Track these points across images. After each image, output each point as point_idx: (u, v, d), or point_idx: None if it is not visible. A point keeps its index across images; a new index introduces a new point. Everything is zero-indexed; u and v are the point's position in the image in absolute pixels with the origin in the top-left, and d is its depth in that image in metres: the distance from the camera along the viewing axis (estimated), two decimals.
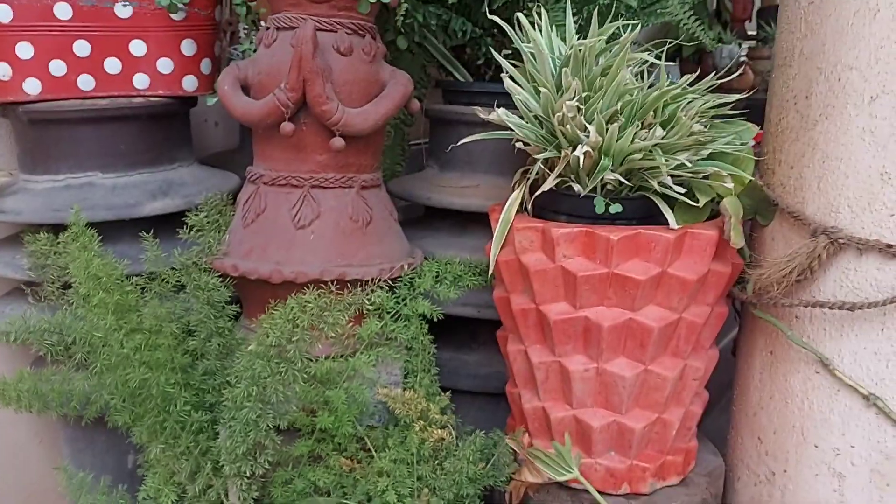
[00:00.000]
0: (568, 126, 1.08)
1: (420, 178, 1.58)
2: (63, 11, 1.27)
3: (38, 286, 1.27)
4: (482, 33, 1.50)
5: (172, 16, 1.32)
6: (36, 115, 1.30)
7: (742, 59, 4.56)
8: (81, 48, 1.30)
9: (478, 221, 1.47)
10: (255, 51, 1.42)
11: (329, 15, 1.20)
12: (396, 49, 1.46)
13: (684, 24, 1.43)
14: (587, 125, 1.06)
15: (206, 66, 1.41)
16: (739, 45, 5.86)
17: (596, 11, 1.40)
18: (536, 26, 1.25)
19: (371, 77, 1.24)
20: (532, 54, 1.21)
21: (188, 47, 1.37)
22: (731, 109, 1.15)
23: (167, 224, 1.33)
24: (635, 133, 1.06)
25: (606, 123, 1.06)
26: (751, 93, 1.24)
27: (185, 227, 1.27)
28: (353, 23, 1.21)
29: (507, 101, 1.49)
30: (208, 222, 1.28)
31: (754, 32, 4.64)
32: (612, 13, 1.40)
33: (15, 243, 1.35)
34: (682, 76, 3.40)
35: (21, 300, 1.31)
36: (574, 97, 1.08)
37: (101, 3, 1.30)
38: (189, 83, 1.39)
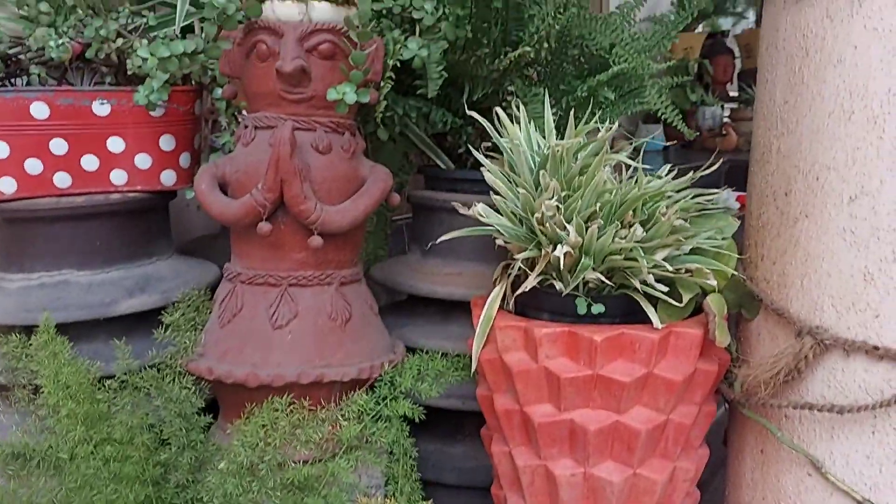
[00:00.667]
0: (547, 225, 1.07)
1: (403, 264, 1.57)
2: (40, 111, 1.27)
3: (8, 390, 1.23)
4: (463, 123, 1.51)
5: (151, 112, 1.32)
6: (10, 214, 1.28)
7: (725, 119, 4.65)
8: (58, 146, 1.29)
9: (461, 309, 1.45)
10: (234, 144, 1.42)
11: (307, 114, 1.20)
12: (378, 139, 1.46)
13: (662, 114, 1.44)
14: (567, 225, 1.05)
15: (185, 159, 1.40)
16: (722, 106, 5.98)
17: (574, 104, 1.43)
18: (515, 120, 1.25)
19: (350, 174, 1.23)
20: (510, 150, 1.22)
21: (167, 142, 1.36)
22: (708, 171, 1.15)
23: (145, 320, 1.31)
24: (615, 233, 1.05)
25: (586, 223, 1.05)
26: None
27: (162, 326, 1.24)
28: (331, 121, 1.21)
29: (488, 188, 1.49)
30: (184, 321, 1.25)
31: (736, 94, 4.74)
32: (590, 104, 1.41)
33: None
34: (665, 139, 3.41)
35: None
36: (553, 197, 1.07)
37: (79, 102, 1.29)
38: (168, 178, 1.38)
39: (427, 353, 1.32)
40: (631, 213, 1.07)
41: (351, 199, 1.22)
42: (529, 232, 1.13)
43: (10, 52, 1.37)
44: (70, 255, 1.31)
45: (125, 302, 1.29)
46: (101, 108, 1.31)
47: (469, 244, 1.50)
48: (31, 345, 1.21)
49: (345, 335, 1.23)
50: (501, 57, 1.35)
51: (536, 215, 1.08)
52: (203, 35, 1.39)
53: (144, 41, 1.35)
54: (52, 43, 1.31)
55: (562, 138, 1.23)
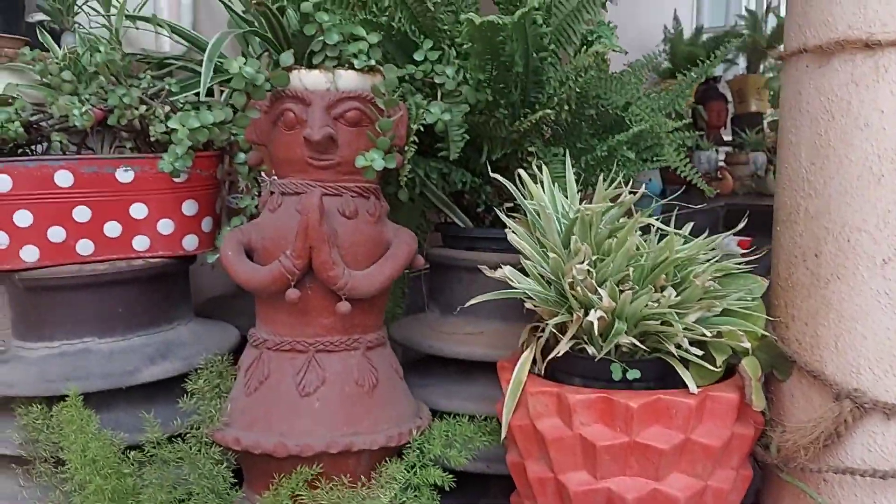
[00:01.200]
0: (579, 289, 1.07)
1: (421, 323, 1.56)
2: (64, 179, 1.27)
3: (29, 463, 1.21)
4: (482, 182, 1.52)
5: (174, 178, 1.32)
6: (32, 282, 1.27)
7: (720, 163, 4.69)
8: (81, 214, 1.29)
9: (482, 369, 1.44)
10: (256, 207, 1.42)
11: (334, 180, 1.20)
12: (397, 199, 1.46)
13: (681, 172, 1.45)
14: (599, 289, 1.05)
15: (207, 224, 1.40)
16: (716, 150, 6.02)
17: (594, 163, 1.44)
18: (537, 181, 1.26)
19: (376, 237, 1.23)
20: (536, 212, 1.22)
21: (189, 207, 1.36)
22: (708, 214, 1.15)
23: (166, 387, 1.29)
24: (649, 297, 1.05)
25: (618, 288, 1.05)
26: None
27: (185, 393, 1.23)
28: (357, 186, 1.22)
29: (507, 247, 1.49)
30: (209, 388, 1.23)
31: (730, 138, 4.80)
32: (609, 163, 1.42)
33: (3, 414, 1.29)
34: (662, 182, 3.40)
35: (10, 479, 1.24)
36: (584, 261, 1.07)
37: (103, 170, 1.30)
38: (190, 243, 1.38)
39: (454, 417, 1.30)
40: (663, 276, 1.07)
41: (377, 264, 1.21)
42: (559, 295, 1.13)
43: (32, 118, 1.37)
44: (91, 323, 1.29)
45: (147, 370, 1.27)
46: (124, 176, 1.31)
47: (489, 303, 1.49)
48: (52, 416, 1.19)
49: (372, 401, 1.21)
50: (522, 119, 1.36)
51: (567, 279, 1.08)
52: (223, 99, 1.41)
53: (168, 109, 1.37)
54: (75, 111, 1.31)
55: (583, 198, 1.24)
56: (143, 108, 1.37)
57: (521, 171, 1.28)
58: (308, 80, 1.19)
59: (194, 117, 1.16)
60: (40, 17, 1.61)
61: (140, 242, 1.34)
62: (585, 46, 1.46)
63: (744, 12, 4.89)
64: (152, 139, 1.37)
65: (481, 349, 1.42)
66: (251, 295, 1.48)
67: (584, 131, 1.53)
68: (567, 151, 1.37)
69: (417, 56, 1.34)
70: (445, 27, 1.43)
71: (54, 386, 1.21)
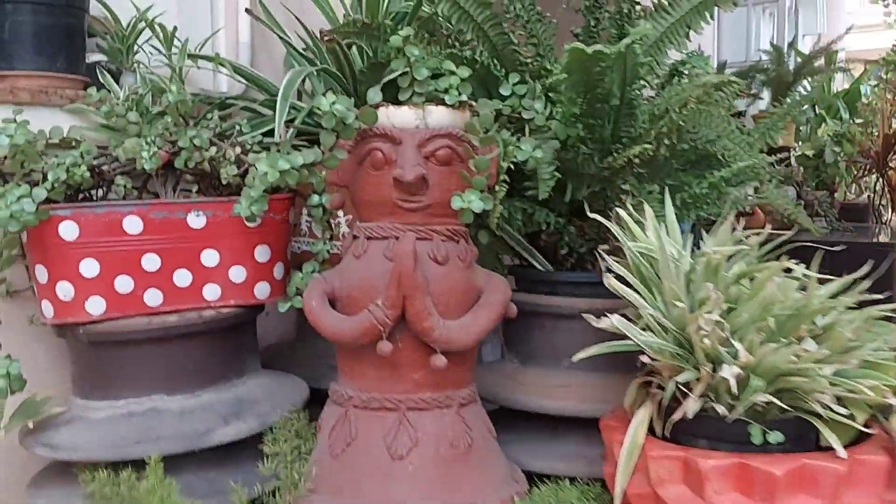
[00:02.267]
0: (707, 341, 0.97)
1: (500, 374, 1.45)
2: (133, 225, 1.19)
3: None
4: (564, 222, 1.42)
5: (248, 223, 1.24)
6: (97, 336, 1.19)
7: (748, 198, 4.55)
8: (150, 262, 1.21)
9: (573, 425, 1.33)
10: (328, 252, 1.34)
11: (424, 223, 1.12)
12: (476, 241, 1.38)
13: (791, 214, 1.35)
14: (734, 342, 0.95)
15: (278, 270, 1.32)
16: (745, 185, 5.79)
17: (691, 201, 1.34)
18: (637, 222, 1.17)
19: (467, 284, 1.14)
20: (642, 254, 1.12)
21: (262, 253, 1.28)
22: None
23: (239, 446, 1.19)
24: (790, 350, 0.94)
25: (754, 339, 0.95)
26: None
27: (258, 454, 1.13)
28: (448, 229, 1.13)
29: (592, 292, 1.40)
30: (288, 450, 1.13)
31: None
32: (712, 201, 1.33)
33: (65, 478, 1.20)
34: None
35: None
36: (713, 310, 0.97)
37: (174, 215, 1.22)
38: (262, 290, 1.29)
39: (549, 480, 1.19)
40: (803, 326, 0.97)
41: (471, 313, 1.12)
42: (679, 347, 1.03)
43: (95, 161, 1.30)
44: (160, 380, 1.20)
45: (221, 430, 1.18)
46: (196, 221, 1.23)
47: (576, 350, 1.39)
48: (121, 483, 1.09)
49: (468, 464, 1.11)
50: (615, 154, 1.27)
51: (692, 331, 0.98)
52: (288, 136, 1.33)
53: (239, 150, 1.30)
54: (144, 154, 1.24)
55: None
56: (213, 149, 1.30)
57: (620, 210, 1.19)
58: (397, 117, 1.11)
59: (284, 160, 1.08)
60: (98, 57, 1.55)
61: (211, 291, 1.25)
62: (676, 76, 1.38)
63: (762, 47, 4.84)
64: (224, 181, 1.29)
65: (573, 404, 1.31)
66: (310, 344, 1.38)
67: (672, 166, 1.44)
68: (665, 189, 1.28)
69: (503, 90, 1.26)
70: (528, 59, 1.35)
71: (123, 449, 1.12)
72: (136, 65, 1.53)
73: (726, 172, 1.29)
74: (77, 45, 1.41)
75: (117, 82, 1.54)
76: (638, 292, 1.12)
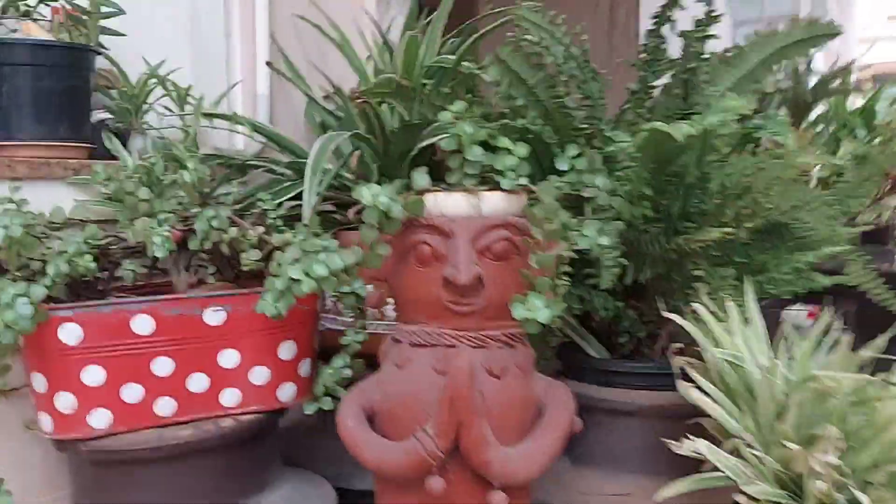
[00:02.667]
0: (821, 485, 0.81)
1: (549, 476, 1.28)
2: (143, 325, 1.05)
3: None
4: (624, 306, 1.27)
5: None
6: (100, 455, 1.04)
7: None
8: (162, 367, 1.06)
9: None
10: (360, 343, 1.19)
11: (478, 328, 0.96)
12: None
13: (875, 293, 1.20)
14: (854, 491, 0.79)
15: (304, 368, 1.17)
16: None
17: (771, 287, 1.19)
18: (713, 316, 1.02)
19: (526, 397, 0.99)
20: (731, 364, 0.97)
21: (287, 350, 1.13)
22: None
23: None
24: None
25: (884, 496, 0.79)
26: None
27: None
28: (505, 334, 0.98)
29: (651, 382, 1.25)
30: None
31: None
32: (796, 287, 1.17)
33: None
34: None
35: None
36: (829, 450, 0.81)
37: (189, 311, 1.07)
38: (286, 392, 1.14)
39: None
40: None
41: (534, 437, 0.96)
42: (780, 486, 0.87)
43: (100, 243, 1.16)
44: (172, 502, 1.05)
45: None
46: (213, 317, 1.08)
47: (635, 454, 1.24)
48: None
49: None
50: (686, 236, 1.12)
51: (804, 472, 0.82)
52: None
53: (262, 229, 1.15)
54: (156, 239, 1.10)
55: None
56: (234, 230, 1.16)
57: (698, 306, 1.04)
58: (447, 205, 0.96)
59: (321, 264, 0.93)
60: (103, 115, 1.41)
61: (229, 397, 1.10)
62: (753, 145, 1.23)
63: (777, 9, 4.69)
64: (245, 268, 1.15)
65: None
66: (333, 433, 1.23)
67: (741, 242, 1.29)
68: (743, 276, 1.13)
69: (560, 164, 1.11)
70: (585, 126, 1.20)
71: None
72: (145, 125, 1.40)
73: (813, 256, 1.14)
74: (81, 110, 1.27)
75: (125, 144, 1.40)
76: (723, 406, 0.97)
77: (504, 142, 1.00)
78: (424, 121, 1.29)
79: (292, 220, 1.31)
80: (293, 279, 0.93)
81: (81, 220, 1.14)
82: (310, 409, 1.16)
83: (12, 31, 1.21)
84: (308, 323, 1.16)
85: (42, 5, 1.38)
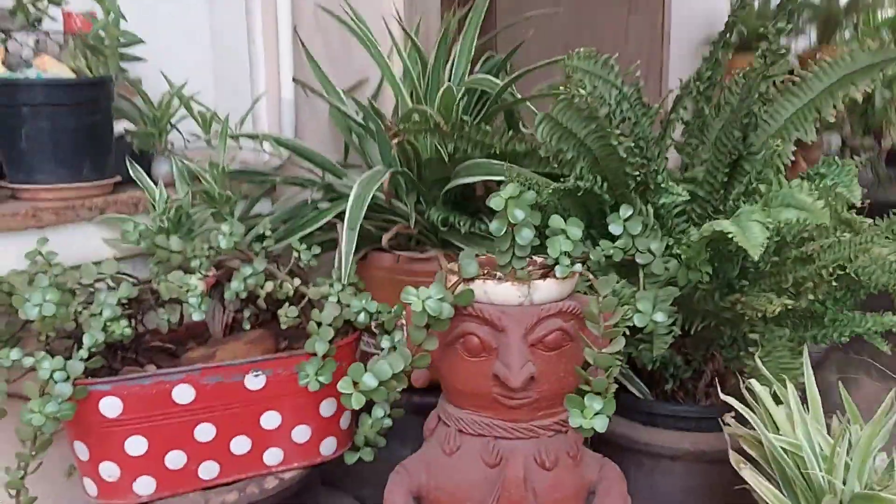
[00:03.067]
0: None
1: None
2: (183, 395, 1.03)
3: None
4: (671, 353, 1.24)
5: None
6: None
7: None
8: (204, 433, 1.05)
9: None
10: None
11: (528, 418, 0.94)
12: None
13: None
14: None
15: (345, 420, 1.16)
16: None
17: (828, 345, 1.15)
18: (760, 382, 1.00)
19: (578, 486, 0.97)
20: (787, 452, 0.95)
21: (328, 407, 1.12)
22: None
23: None
24: None
25: None
26: None
27: None
28: (555, 422, 0.96)
29: (695, 425, 1.24)
30: None
31: None
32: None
33: None
34: None
35: None
36: None
37: (230, 378, 1.05)
38: (328, 447, 1.14)
39: None
40: None
41: None
42: None
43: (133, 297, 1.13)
44: None
45: None
46: (254, 382, 1.06)
47: (678, 495, 1.25)
48: None
49: None
50: (748, 299, 1.07)
51: None
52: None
53: (299, 282, 1.12)
54: (192, 299, 1.07)
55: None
56: (270, 284, 1.12)
57: (755, 384, 1.01)
58: (497, 294, 0.92)
59: (370, 374, 0.89)
60: (124, 125, 1.34)
61: (272, 456, 1.10)
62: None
63: None
64: (283, 326, 1.12)
65: None
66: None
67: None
68: (798, 334, 1.10)
69: (613, 227, 1.05)
70: (636, 173, 1.13)
71: None
72: (169, 148, 1.33)
73: (888, 319, 1.09)
74: (105, 145, 1.21)
75: (149, 165, 1.35)
76: (778, 494, 0.95)
77: (558, 222, 0.94)
78: (463, 156, 1.23)
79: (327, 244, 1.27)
80: (343, 392, 0.89)
81: (113, 278, 1.10)
82: (351, 460, 1.16)
83: (26, 64, 1.13)
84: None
85: (52, 6, 1.29)
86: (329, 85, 1.46)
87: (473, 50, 1.41)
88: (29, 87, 1.09)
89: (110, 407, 1.00)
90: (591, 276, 0.93)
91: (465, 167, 1.25)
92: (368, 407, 1.18)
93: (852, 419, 1.02)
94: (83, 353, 1.00)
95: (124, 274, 1.13)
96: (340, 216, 1.27)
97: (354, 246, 1.11)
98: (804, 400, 1.03)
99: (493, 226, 0.92)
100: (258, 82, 1.46)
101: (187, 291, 1.08)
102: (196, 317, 1.06)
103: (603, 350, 0.90)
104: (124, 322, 1.04)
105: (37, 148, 1.12)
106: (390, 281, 1.37)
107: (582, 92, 0.99)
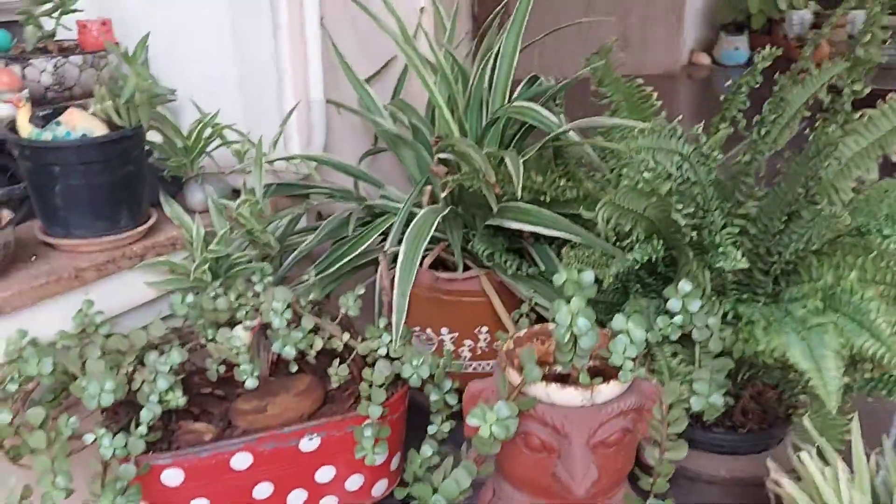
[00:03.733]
0: None
1: None
2: (242, 462, 1.06)
3: None
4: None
5: None
6: None
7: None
8: (262, 491, 1.09)
9: None
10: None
11: None
12: None
13: None
14: None
15: (395, 462, 1.19)
16: (816, 14, 5.37)
17: None
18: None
19: None
20: None
21: (379, 455, 1.14)
22: None
23: None
24: None
25: None
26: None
27: None
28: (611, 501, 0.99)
29: (732, 450, 1.29)
30: None
31: None
32: None
33: None
34: (751, 48, 3.19)
35: None
36: None
37: (285, 444, 1.07)
38: (379, 488, 1.18)
39: None
40: None
41: None
42: None
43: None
44: None
45: None
46: (309, 445, 1.08)
47: None
48: None
49: None
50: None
51: None
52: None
53: (348, 335, 1.11)
54: (244, 369, 1.07)
55: None
56: (319, 342, 1.12)
57: (806, 458, 1.03)
58: (560, 398, 0.92)
59: (438, 496, 0.90)
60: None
61: (327, 502, 1.14)
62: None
63: None
64: (334, 385, 1.12)
65: None
66: None
67: None
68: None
69: (672, 303, 1.03)
70: (692, 234, 1.10)
71: None
72: (202, 173, 1.28)
73: None
74: (139, 192, 1.16)
75: (180, 189, 1.30)
76: None
77: (620, 323, 0.92)
78: (511, 196, 1.18)
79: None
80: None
81: (161, 339, 1.09)
82: (401, 495, 1.21)
83: (55, 121, 1.05)
84: (398, 427, 1.16)
85: (67, 13, 1.20)
86: (363, 90, 1.38)
87: (517, 55, 1.32)
88: (59, 149, 1.02)
89: (172, 477, 1.03)
90: (653, 383, 0.93)
91: (511, 209, 1.20)
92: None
93: None
94: (142, 429, 1.01)
95: (172, 330, 1.12)
96: (384, 233, 1.25)
97: (406, 310, 1.09)
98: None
99: (557, 333, 0.90)
100: (285, 85, 1.37)
101: (237, 354, 1.08)
102: (250, 384, 1.06)
103: (667, 433, 0.92)
104: (179, 392, 1.05)
105: (72, 204, 1.08)
106: (429, 300, 1.36)
107: (647, 176, 0.94)
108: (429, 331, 1.40)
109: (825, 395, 0.80)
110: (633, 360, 0.92)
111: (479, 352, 1.41)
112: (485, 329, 1.38)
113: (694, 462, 1.28)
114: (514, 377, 0.94)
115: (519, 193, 1.02)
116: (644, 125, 1.01)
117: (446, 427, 1.18)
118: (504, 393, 0.93)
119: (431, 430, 1.19)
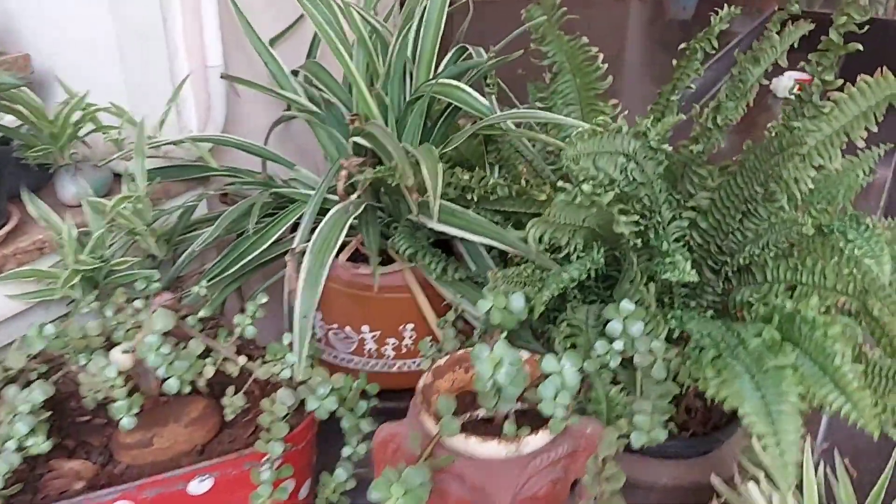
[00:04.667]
0: None
1: None
2: None
3: None
4: None
5: None
6: None
7: None
8: None
9: None
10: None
11: None
12: None
13: None
14: None
15: (304, 491, 1.06)
16: None
17: None
18: None
19: None
20: None
21: (284, 490, 1.02)
22: None
23: None
24: None
25: None
26: None
27: None
28: None
29: (675, 456, 1.21)
30: None
31: None
32: None
33: None
34: None
35: None
36: None
37: (170, 489, 0.93)
38: None
39: None
40: None
41: None
42: None
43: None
44: None
45: None
46: (199, 487, 0.95)
47: None
48: None
49: None
50: None
51: None
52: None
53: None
54: (120, 402, 0.91)
55: None
56: (210, 368, 0.97)
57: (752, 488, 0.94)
58: (481, 450, 0.80)
59: None
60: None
61: None
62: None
63: None
64: (227, 418, 0.98)
65: None
66: None
67: None
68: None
69: (612, 326, 0.90)
70: (640, 245, 0.97)
71: None
72: (74, 163, 1.09)
73: None
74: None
75: (48, 180, 1.11)
76: None
77: (552, 365, 0.79)
78: None
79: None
80: None
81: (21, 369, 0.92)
82: None
83: None
84: (305, 455, 1.03)
85: None
86: (268, 54, 1.18)
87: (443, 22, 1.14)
88: None
89: None
90: (589, 430, 0.81)
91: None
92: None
93: None
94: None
95: (35, 357, 0.95)
96: (295, 225, 1.10)
97: (308, 346, 0.94)
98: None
99: (478, 383, 0.77)
100: (176, 50, 1.16)
101: (112, 388, 0.92)
102: (125, 424, 0.91)
103: (604, 490, 0.81)
104: (42, 437, 0.89)
105: None
106: (348, 296, 1.22)
107: (586, 189, 0.80)
108: (348, 329, 1.26)
109: (781, 467, 0.68)
110: (565, 405, 0.80)
111: (405, 350, 1.28)
112: (410, 326, 1.25)
113: (637, 470, 1.20)
114: (430, 425, 0.81)
115: (435, 209, 0.87)
116: (584, 126, 0.86)
117: (362, 449, 1.06)
118: (416, 447, 0.80)
119: (346, 452, 1.06)
